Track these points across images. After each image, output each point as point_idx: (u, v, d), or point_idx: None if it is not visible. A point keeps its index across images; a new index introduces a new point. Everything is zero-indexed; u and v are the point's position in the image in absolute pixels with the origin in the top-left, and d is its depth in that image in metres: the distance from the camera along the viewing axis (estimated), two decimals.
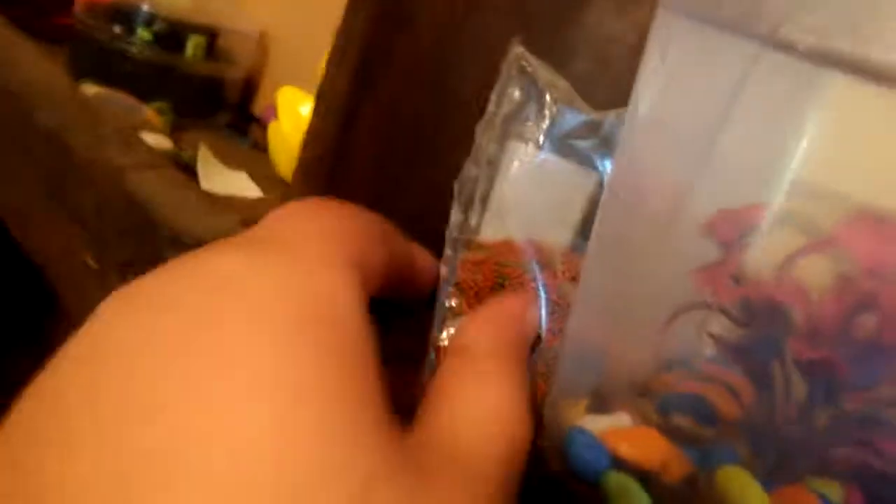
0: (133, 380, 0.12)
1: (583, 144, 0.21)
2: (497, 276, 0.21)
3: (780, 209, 0.18)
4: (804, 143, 0.17)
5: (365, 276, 0.15)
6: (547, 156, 0.21)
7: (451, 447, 0.14)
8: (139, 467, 0.11)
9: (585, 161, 0.21)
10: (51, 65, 0.47)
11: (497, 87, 0.21)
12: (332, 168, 0.28)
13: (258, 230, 0.16)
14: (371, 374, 0.13)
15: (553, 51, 0.23)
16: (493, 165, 0.21)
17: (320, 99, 0.27)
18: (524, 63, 0.21)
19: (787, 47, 0.17)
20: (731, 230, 0.19)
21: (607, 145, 0.21)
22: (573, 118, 0.21)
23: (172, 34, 0.57)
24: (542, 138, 0.21)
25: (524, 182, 0.21)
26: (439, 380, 0.17)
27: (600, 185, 0.21)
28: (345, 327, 0.13)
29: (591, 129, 0.21)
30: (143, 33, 0.56)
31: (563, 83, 0.21)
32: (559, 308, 0.20)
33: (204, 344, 0.12)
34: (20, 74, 0.44)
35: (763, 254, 0.18)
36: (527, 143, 0.21)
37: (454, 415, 0.15)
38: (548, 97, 0.21)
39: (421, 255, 0.20)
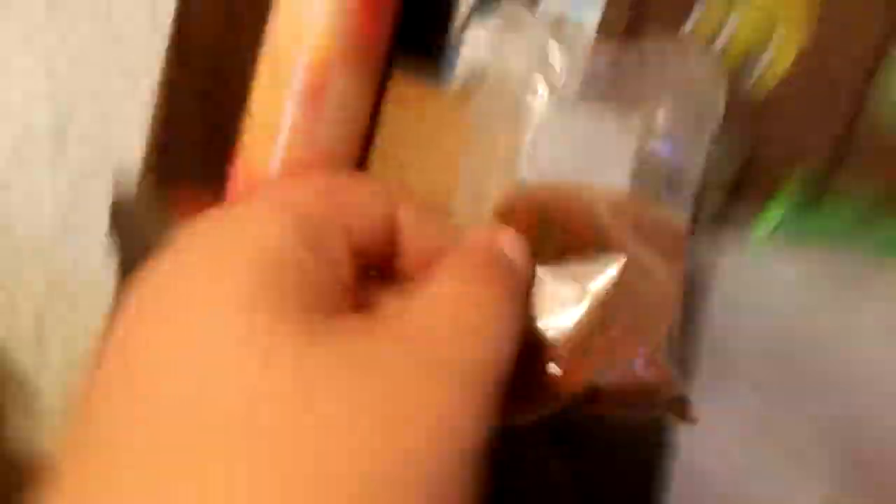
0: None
1: (611, 83, 0.19)
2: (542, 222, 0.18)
3: None
4: None
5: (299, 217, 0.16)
6: (576, 102, 0.18)
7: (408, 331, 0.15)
8: None
9: (623, 100, 0.19)
10: None
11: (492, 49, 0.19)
12: None
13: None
14: (293, 278, 0.15)
15: None
16: (515, 122, 0.18)
17: None
18: (521, 17, 0.19)
19: None
20: None
21: (635, 77, 0.18)
22: (593, 59, 0.19)
23: None
24: (565, 85, 0.18)
25: (559, 131, 0.18)
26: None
27: (644, 128, 0.18)
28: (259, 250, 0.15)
29: (616, 65, 0.19)
30: None
31: (569, 26, 0.19)
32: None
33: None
34: None
35: None
36: (550, 92, 0.18)
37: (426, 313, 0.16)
38: (558, 47, 0.19)
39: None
